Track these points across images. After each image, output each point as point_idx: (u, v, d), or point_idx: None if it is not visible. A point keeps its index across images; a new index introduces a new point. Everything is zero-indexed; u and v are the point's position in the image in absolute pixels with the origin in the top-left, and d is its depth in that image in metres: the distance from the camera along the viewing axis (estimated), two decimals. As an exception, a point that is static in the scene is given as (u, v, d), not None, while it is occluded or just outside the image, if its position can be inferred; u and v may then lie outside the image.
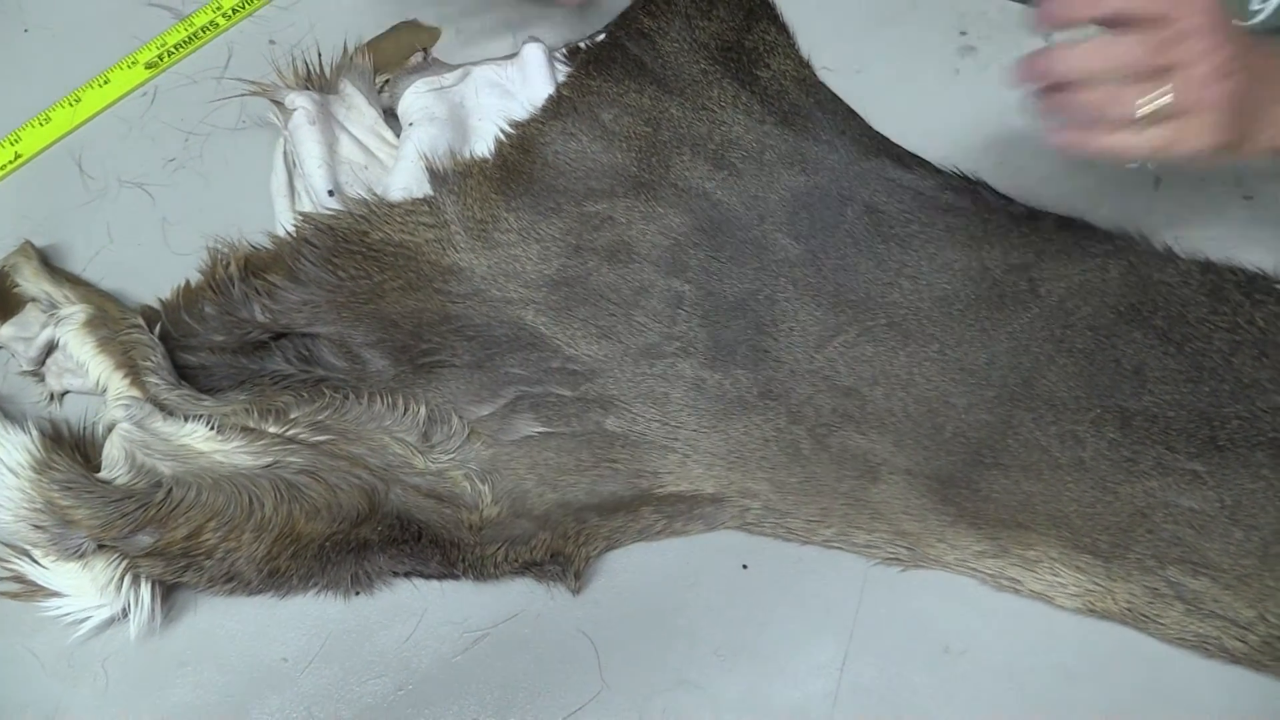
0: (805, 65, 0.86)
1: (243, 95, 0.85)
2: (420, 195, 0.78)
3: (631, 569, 0.71)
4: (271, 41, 0.90)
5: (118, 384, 0.74)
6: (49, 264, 0.80)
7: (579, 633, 0.70)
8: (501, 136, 0.81)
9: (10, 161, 0.86)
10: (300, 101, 0.79)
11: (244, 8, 0.92)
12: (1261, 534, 0.68)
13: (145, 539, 0.68)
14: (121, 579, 0.69)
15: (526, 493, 0.72)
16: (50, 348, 0.76)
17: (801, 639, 0.69)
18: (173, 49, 0.90)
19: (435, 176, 0.79)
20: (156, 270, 0.80)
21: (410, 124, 0.81)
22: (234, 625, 0.71)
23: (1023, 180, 0.81)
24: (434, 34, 0.90)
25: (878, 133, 0.84)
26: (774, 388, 0.74)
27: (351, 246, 0.76)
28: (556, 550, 0.68)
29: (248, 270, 0.75)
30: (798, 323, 0.75)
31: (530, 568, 0.69)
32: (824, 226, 0.78)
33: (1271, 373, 0.73)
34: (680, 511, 0.71)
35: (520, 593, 0.71)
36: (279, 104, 0.81)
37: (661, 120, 0.82)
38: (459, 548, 0.69)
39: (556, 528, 0.69)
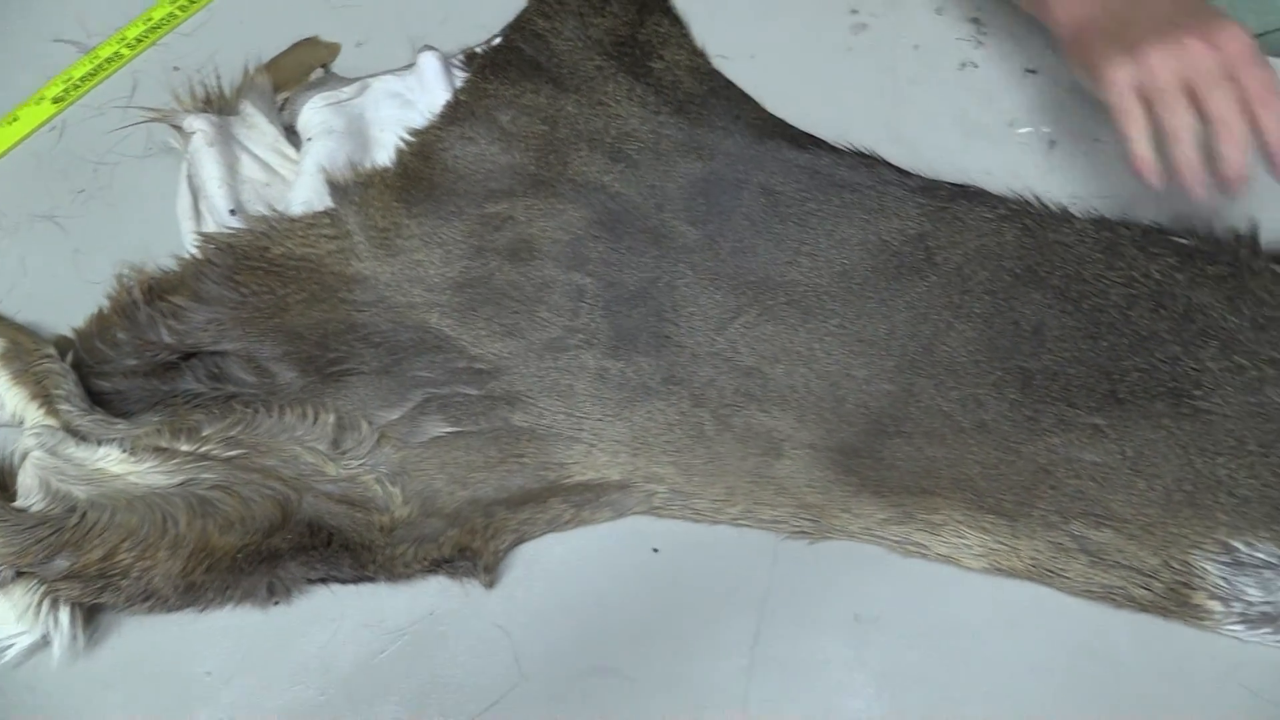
0: (699, 54, 0.87)
1: (146, 122, 0.86)
2: (321, 208, 0.79)
3: (544, 560, 0.72)
4: (175, 68, 0.91)
5: (33, 414, 0.75)
6: (-39, 301, 0.81)
7: (495, 626, 0.70)
8: (402, 145, 0.82)
9: (-77, 202, 0.87)
10: (198, 124, 0.80)
11: (147, 37, 0.93)
12: (1163, 482, 0.69)
13: (61, 563, 0.69)
14: (40, 605, 0.70)
15: (437, 492, 0.72)
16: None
17: (714, 617, 0.70)
18: (78, 82, 0.91)
19: (336, 189, 0.80)
20: (71, 300, 0.81)
21: (309, 139, 0.82)
22: (156, 643, 0.71)
23: (918, 152, 0.82)
24: (333, 49, 0.91)
25: (773, 115, 0.85)
26: (677, 372, 0.74)
27: (253, 263, 0.77)
28: (464, 546, 0.69)
29: (153, 294, 0.76)
30: (698, 307, 0.76)
31: (440, 565, 0.70)
32: (721, 211, 0.79)
33: (1168, 324, 0.74)
34: (588, 500, 0.72)
35: (435, 591, 0.71)
36: (178, 129, 0.82)
37: (558, 118, 0.84)
38: (370, 550, 0.70)
39: (465, 524, 0.70)
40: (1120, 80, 0.69)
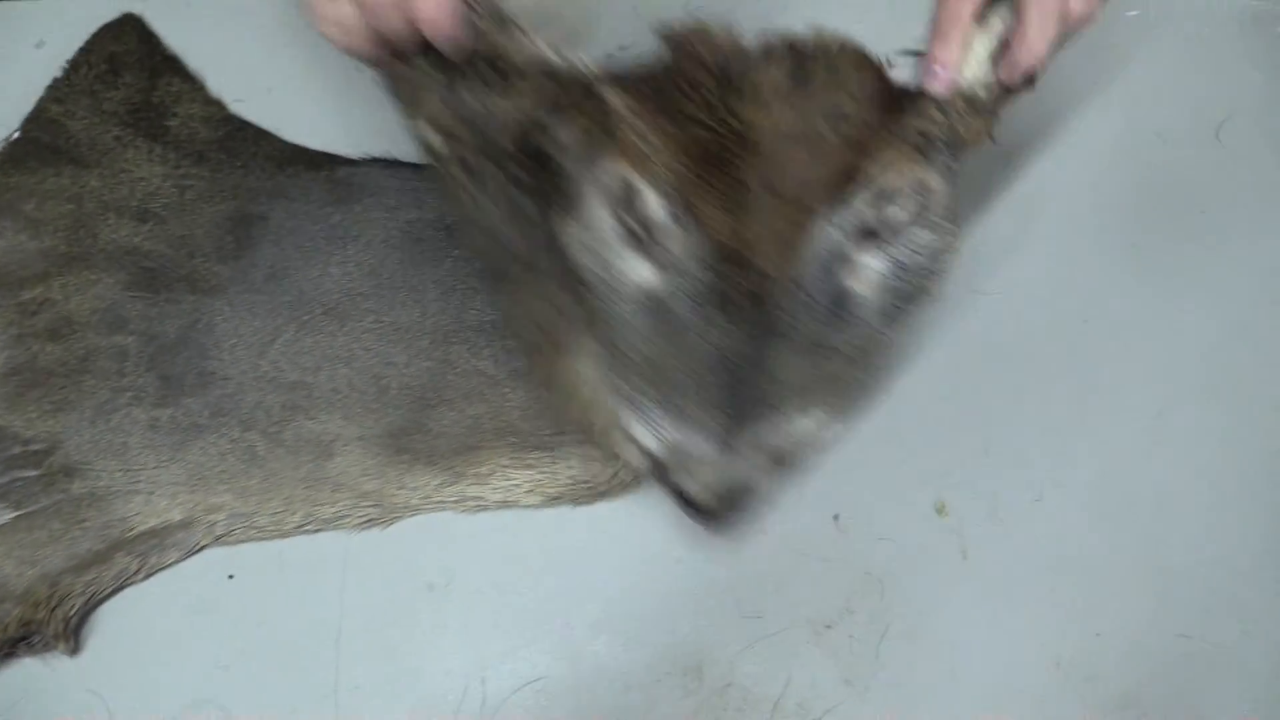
0: (214, 103, 0.90)
1: None
2: None
3: (126, 614, 0.73)
4: None
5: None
6: None
7: (87, 692, 0.71)
8: (-69, 257, 0.83)
9: None
10: None
11: None
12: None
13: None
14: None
15: (7, 577, 0.73)
16: None
17: (296, 627, 0.72)
18: None
19: None
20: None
21: None
22: None
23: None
24: None
25: (291, 144, 0.88)
26: (224, 404, 0.77)
27: None
28: (28, 620, 0.70)
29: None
30: (239, 338, 0.79)
31: (14, 646, 0.70)
32: (250, 244, 0.83)
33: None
34: (153, 547, 0.74)
35: (22, 674, 0.72)
36: None
37: (83, 195, 0.85)
38: (-58, 650, 0.70)
39: (29, 599, 0.71)
40: None
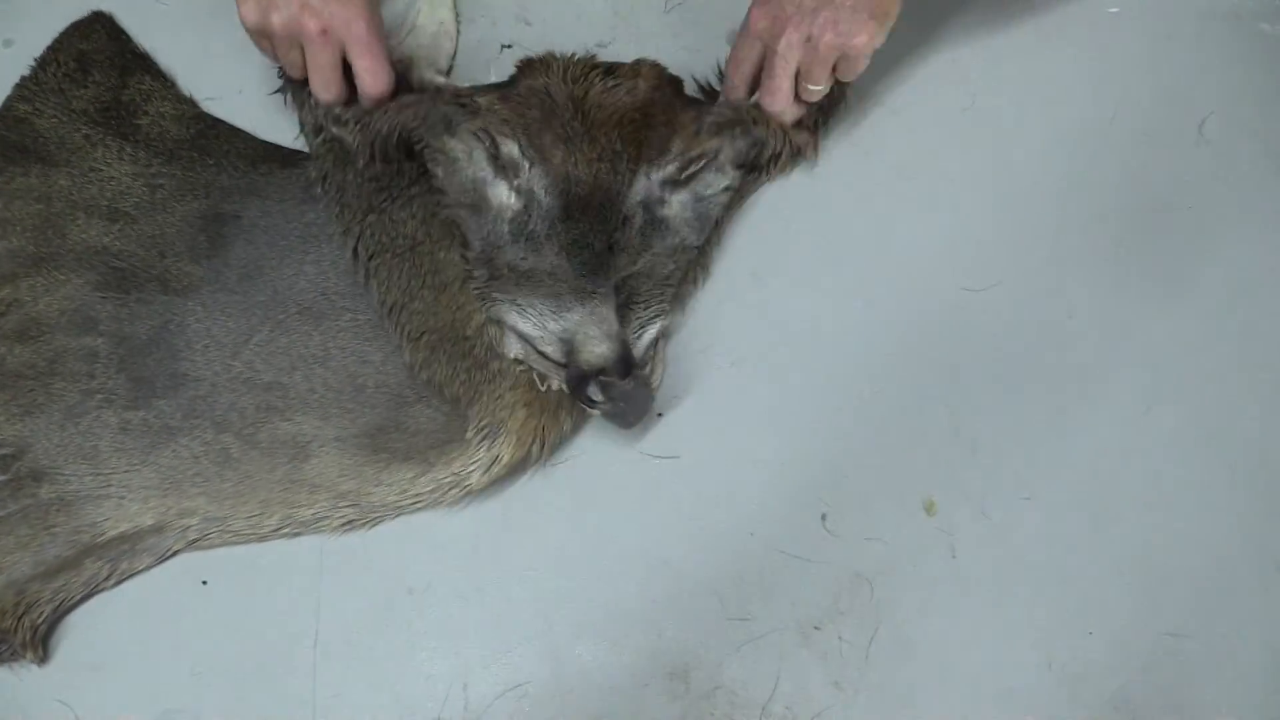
0: (185, 102, 0.88)
1: None
2: None
3: (96, 622, 0.71)
4: None
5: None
6: None
7: (57, 702, 0.69)
8: (-106, 258, 0.81)
9: None
10: None
11: None
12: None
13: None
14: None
15: (-28, 587, 0.71)
16: None
17: (272, 634, 0.71)
18: None
19: None
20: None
21: None
22: None
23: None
24: None
25: (265, 142, 0.86)
26: (197, 406, 0.75)
27: None
28: (-6, 630, 0.68)
29: None
30: (212, 339, 0.77)
31: (-21, 656, 0.68)
32: (223, 243, 0.81)
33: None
34: (124, 552, 0.72)
35: (-9, 685, 0.70)
36: None
37: (52, 194, 0.83)
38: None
39: (-6, 608, 0.69)
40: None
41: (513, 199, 0.77)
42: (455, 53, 0.90)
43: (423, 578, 0.72)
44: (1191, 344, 0.80)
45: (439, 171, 0.78)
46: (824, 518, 0.74)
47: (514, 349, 0.75)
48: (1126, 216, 0.85)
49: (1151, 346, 0.80)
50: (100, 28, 0.92)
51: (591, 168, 0.76)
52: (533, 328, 0.73)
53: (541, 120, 0.77)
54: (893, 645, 0.70)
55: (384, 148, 0.78)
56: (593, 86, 0.79)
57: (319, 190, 0.80)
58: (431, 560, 0.72)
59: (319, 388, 0.76)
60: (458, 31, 0.90)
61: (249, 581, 0.72)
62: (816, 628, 0.71)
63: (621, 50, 0.91)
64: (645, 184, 0.78)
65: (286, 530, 0.73)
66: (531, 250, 0.75)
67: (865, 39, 0.73)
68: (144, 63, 0.90)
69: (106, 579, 0.72)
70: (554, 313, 0.73)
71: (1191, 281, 0.83)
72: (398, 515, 0.74)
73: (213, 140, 0.86)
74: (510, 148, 0.77)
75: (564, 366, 0.72)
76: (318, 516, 0.73)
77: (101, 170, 0.84)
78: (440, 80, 0.83)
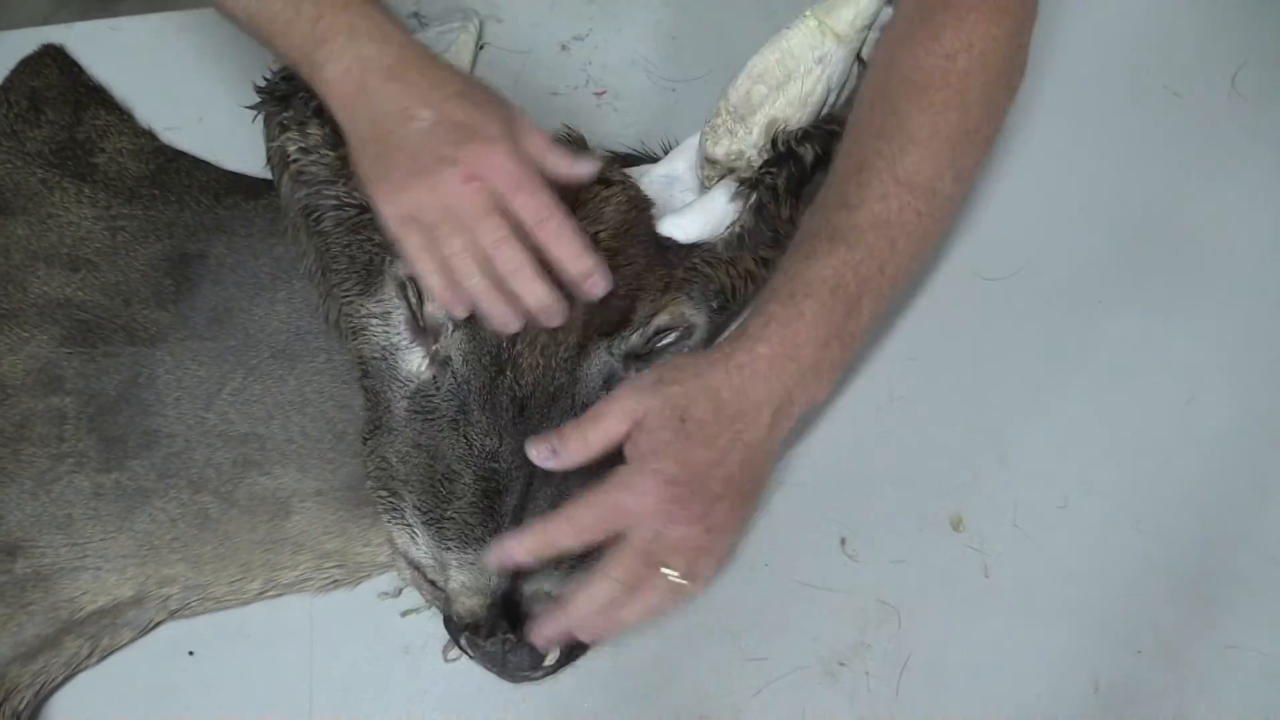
0: (144, 134, 0.84)
1: None
2: None
3: (80, 703, 0.68)
4: None
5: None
6: None
7: (45, 788, 0.66)
8: None
9: None
10: None
11: None
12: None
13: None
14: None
15: (-49, 674, 0.68)
16: None
17: (265, 702, 0.67)
18: None
19: None
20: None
21: None
22: None
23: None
24: None
25: (230, 172, 0.82)
26: (171, 464, 0.71)
27: None
28: (-28, 720, 0.65)
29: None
30: (183, 390, 0.73)
31: (-40, 750, 0.65)
32: (190, 285, 0.77)
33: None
34: (104, 628, 0.68)
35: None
36: None
37: (10, 245, 0.79)
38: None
39: (-28, 696, 0.66)
40: (390, 215, 0.63)
41: (423, 367, 0.65)
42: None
43: (419, 635, 0.68)
44: (1236, 324, 0.73)
45: (348, 340, 0.69)
46: (843, 541, 0.69)
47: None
48: (1157, 185, 0.79)
49: (1192, 330, 0.73)
50: (51, 62, 0.87)
51: (535, 349, 0.63)
52: (407, 545, 0.64)
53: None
54: (925, 678, 0.65)
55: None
56: None
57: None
58: (428, 615, 0.68)
59: (297, 437, 0.71)
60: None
61: (238, 649, 0.68)
62: (841, 664, 0.66)
63: (600, 42, 0.85)
64: (604, 361, 0.65)
65: (270, 593, 0.69)
66: (425, 437, 0.63)
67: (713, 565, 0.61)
68: (99, 96, 0.86)
69: (88, 657, 0.68)
70: (429, 542, 0.62)
71: (1231, 247, 0.76)
72: (386, 573, 0.69)
73: (174, 175, 0.82)
74: (437, 306, 0.64)
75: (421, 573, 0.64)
76: (302, 578, 0.69)
77: (60, 215, 0.80)
78: None
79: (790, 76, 0.68)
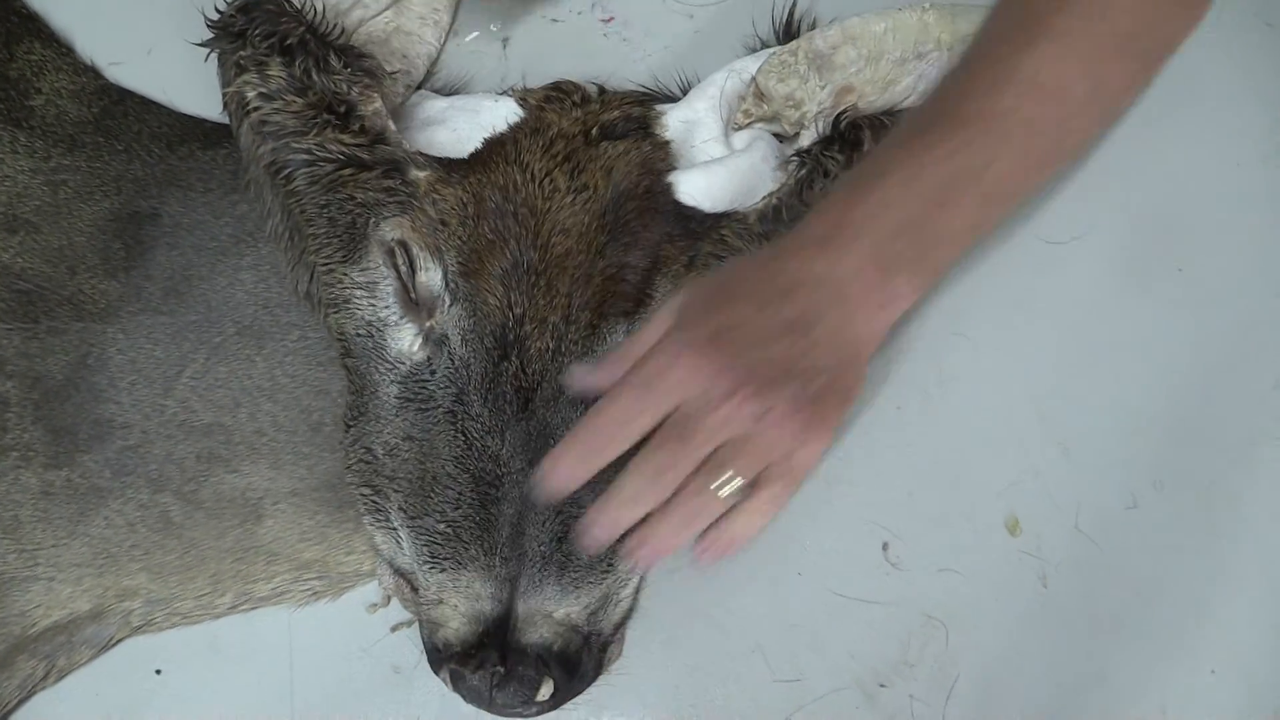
0: (85, 72, 0.74)
1: None
2: None
3: (41, 725, 0.61)
4: None
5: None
6: None
7: (-1, 822, 0.60)
8: None
9: None
10: None
11: None
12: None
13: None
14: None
15: (-108, 696, 0.61)
16: None
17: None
18: None
19: None
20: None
21: None
22: None
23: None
24: None
25: (185, 115, 0.72)
26: (127, 460, 0.64)
27: None
28: (-84, 751, 0.58)
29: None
30: (139, 373, 0.65)
31: (-95, 780, 0.59)
32: (142, 249, 0.68)
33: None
34: (60, 646, 0.62)
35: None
36: None
37: (-64, 204, 0.70)
38: None
39: (-85, 725, 0.59)
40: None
41: (415, 347, 0.58)
42: (438, 56, 0.72)
43: (411, 652, 0.61)
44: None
45: (325, 313, 0.61)
46: (885, 547, 0.62)
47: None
48: (1238, 127, 0.69)
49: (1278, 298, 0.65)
50: (-21, -12, 0.76)
51: (545, 331, 0.56)
52: (392, 551, 0.58)
53: (492, 238, 0.58)
54: (975, 700, 0.59)
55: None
56: (557, 191, 0.58)
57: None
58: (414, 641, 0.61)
59: (268, 428, 0.64)
60: (450, 26, 0.73)
61: (210, 666, 0.62)
62: (882, 685, 0.59)
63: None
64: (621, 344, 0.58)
65: (243, 607, 0.62)
66: (417, 429, 0.57)
67: (817, 448, 0.54)
68: (34, 26, 0.76)
69: (44, 678, 0.62)
70: (416, 556, 0.56)
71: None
72: (373, 582, 0.62)
73: (121, 120, 0.72)
74: (432, 276, 0.58)
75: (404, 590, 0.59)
76: (278, 591, 0.62)
77: (-6, 170, 0.71)
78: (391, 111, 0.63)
79: (884, 55, 0.60)
